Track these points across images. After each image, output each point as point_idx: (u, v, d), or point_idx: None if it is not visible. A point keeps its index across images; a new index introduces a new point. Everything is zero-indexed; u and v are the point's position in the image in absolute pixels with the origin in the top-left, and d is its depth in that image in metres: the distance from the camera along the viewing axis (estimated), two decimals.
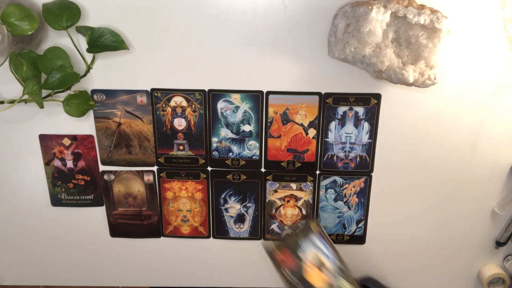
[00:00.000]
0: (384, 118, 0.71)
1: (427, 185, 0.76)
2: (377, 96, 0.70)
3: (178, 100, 0.71)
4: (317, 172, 0.75)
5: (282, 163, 0.75)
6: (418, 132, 0.72)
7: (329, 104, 0.71)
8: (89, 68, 0.68)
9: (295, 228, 0.63)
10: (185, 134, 0.74)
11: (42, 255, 0.85)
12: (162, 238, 0.82)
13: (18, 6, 0.60)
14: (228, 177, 0.76)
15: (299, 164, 0.75)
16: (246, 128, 0.73)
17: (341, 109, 0.71)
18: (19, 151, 0.76)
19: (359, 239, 0.80)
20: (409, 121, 0.71)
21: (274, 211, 0.78)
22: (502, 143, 0.72)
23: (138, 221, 0.81)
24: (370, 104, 0.71)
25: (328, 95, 0.70)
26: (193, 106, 0.72)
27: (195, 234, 0.82)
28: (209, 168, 0.76)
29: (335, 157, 0.74)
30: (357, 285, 0.61)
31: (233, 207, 0.79)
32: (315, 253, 0.60)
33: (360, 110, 0.71)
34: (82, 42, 0.67)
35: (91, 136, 0.75)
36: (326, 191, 0.77)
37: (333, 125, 0.72)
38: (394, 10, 0.60)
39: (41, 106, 0.65)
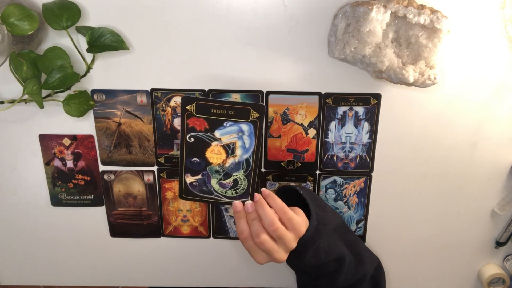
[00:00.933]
0: (384, 118, 0.71)
1: (427, 185, 0.76)
2: (377, 96, 0.70)
3: (178, 100, 0.71)
4: (317, 172, 0.75)
5: (282, 163, 0.75)
6: (418, 132, 0.72)
7: (329, 104, 0.71)
8: (89, 68, 0.68)
9: (233, 105, 0.57)
10: None
11: (42, 255, 0.85)
12: (162, 238, 0.82)
13: (18, 6, 0.59)
14: None
15: (299, 164, 0.75)
16: None
17: (341, 109, 0.71)
18: (19, 151, 0.76)
19: None
20: (409, 121, 0.71)
21: None
22: (502, 143, 0.72)
23: (138, 221, 0.81)
24: (370, 104, 0.71)
25: (328, 95, 0.70)
26: None
27: (195, 234, 0.82)
28: None
29: (335, 157, 0.74)
30: (253, 186, 0.61)
31: None
32: (234, 140, 0.57)
33: (360, 110, 0.71)
34: (82, 42, 0.67)
35: (91, 136, 0.75)
36: (326, 191, 0.77)
37: (333, 125, 0.72)
38: (394, 10, 0.60)
39: (41, 106, 0.65)
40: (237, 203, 0.61)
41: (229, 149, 0.58)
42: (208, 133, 0.57)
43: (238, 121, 0.56)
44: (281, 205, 0.61)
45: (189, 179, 0.60)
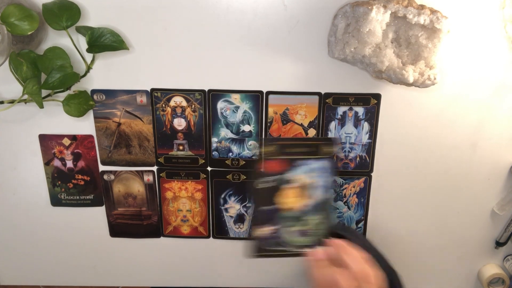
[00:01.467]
0: (384, 118, 0.71)
1: (427, 185, 0.76)
2: (377, 96, 0.70)
3: (178, 100, 0.71)
4: None
5: None
6: (418, 132, 0.72)
7: (329, 104, 0.71)
8: (89, 68, 0.68)
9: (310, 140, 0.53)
10: (185, 134, 0.74)
11: (42, 255, 0.85)
12: (162, 238, 0.82)
13: (18, 6, 0.60)
14: (228, 177, 0.76)
15: None
16: (246, 128, 0.73)
17: (341, 109, 0.71)
18: (19, 151, 0.76)
19: None
20: (409, 121, 0.71)
21: None
22: (502, 143, 0.72)
23: (138, 221, 0.81)
24: (370, 104, 0.71)
25: (328, 95, 0.70)
26: (193, 106, 0.72)
27: (195, 234, 0.82)
28: (209, 168, 0.76)
29: (335, 157, 0.74)
30: (326, 233, 0.55)
31: (233, 207, 0.79)
32: (311, 181, 0.52)
33: (360, 110, 0.71)
34: (82, 42, 0.67)
35: (91, 136, 0.75)
36: None
37: (333, 125, 0.72)
38: (394, 10, 0.60)
39: (41, 106, 0.65)
40: (319, 249, 0.53)
41: (306, 191, 0.53)
42: (283, 175, 0.52)
43: (313, 160, 0.52)
44: (359, 255, 0.54)
45: (260, 231, 0.54)
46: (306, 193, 0.52)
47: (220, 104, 0.71)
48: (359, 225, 0.79)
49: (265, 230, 0.53)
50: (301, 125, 0.72)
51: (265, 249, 0.55)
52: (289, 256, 0.54)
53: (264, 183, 0.51)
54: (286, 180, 0.52)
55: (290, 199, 0.52)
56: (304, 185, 0.52)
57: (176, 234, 0.82)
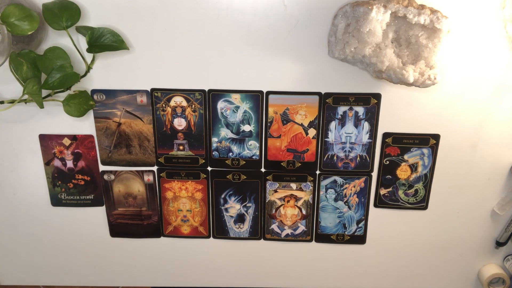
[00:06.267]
0: (384, 118, 0.71)
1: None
2: (377, 96, 0.70)
3: (178, 100, 0.71)
4: (317, 172, 0.75)
5: (282, 163, 0.75)
6: (418, 132, 0.72)
7: (329, 104, 0.71)
8: (89, 68, 0.68)
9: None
10: (185, 134, 0.74)
11: (42, 255, 0.85)
12: (162, 238, 0.82)
13: (18, 6, 0.60)
14: (228, 177, 0.76)
15: (299, 164, 0.75)
16: (246, 128, 0.73)
17: (341, 109, 0.71)
18: (19, 151, 0.76)
19: (359, 239, 0.80)
20: (409, 121, 0.71)
21: (274, 211, 0.78)
22: (502, 143, 0.72)
23: (138, 221, 0.81)
24: (370, 104, 0.71)
25: (328, 95, 0.70)
26: (193, 106, 0.72)
27: (195, 234, 0.82)
28: (209, 168, 0.76)
29: (335, 157, 0.74)
30: (429, 193, 0.75)
31: (233, 207, 0.79)
32: (417, 161, 0.73)
33: (360, 110, 0.71)
34: (82, 42, 0.67)
35: (91, 136, 0.75)
36: (326, 191, 0.77)
37: (333, 125, 0.72)
38: (394, 10, 0.60)
39: (41, 106, 0.65)
40: None
41: (413, 167, 0.74)
42: (399, 157, 0.73)
43: (421, 147, 0.72)
44: None
45: (383, 191, 0.75)
46: (414, 169, 0.74)
47: (220, 104, 0.71)
48: (360, 225, 0.79)
49: (386, 190, 0.75)
50: (301, 125, 0.72)
51: (385, 202, 0.77)
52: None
53: (388, 161, 0.73)
54: (402, 159, 0.74)
55: (403, 172, 0.74)
56: (412, 164, 0.74)
57: (176, 234, 0.82)
